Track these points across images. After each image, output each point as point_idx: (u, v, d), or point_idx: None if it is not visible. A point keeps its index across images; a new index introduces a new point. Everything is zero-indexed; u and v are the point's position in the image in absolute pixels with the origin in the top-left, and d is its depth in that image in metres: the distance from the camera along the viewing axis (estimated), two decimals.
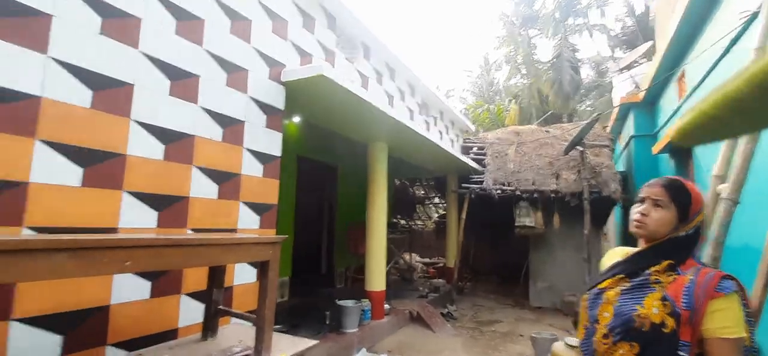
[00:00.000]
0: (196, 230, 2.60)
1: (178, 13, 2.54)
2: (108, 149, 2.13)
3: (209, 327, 2.26)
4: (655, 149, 5.54)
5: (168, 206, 2.43)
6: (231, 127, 2.89)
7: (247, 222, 3.01)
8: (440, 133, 7.48)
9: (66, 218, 1.94)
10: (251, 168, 3.06)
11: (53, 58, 1.92)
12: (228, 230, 2.84)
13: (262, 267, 2.01)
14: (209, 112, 2.72)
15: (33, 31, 1.85)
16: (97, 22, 2.10)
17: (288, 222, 5.94)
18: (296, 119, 5.48)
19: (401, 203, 11.22)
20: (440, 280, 7.89)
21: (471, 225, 8.02)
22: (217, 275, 2.28)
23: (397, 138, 5.14)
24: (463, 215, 7.51)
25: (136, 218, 2.26)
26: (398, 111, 5.28)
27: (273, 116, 3.29)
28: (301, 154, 6.27)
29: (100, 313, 2.09)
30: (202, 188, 2.65)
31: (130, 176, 2.23)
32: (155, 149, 2.37)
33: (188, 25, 2.60)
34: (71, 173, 1.97)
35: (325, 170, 7.27)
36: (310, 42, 3.86)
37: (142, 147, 2.30)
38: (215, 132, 2.77)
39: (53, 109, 1.91)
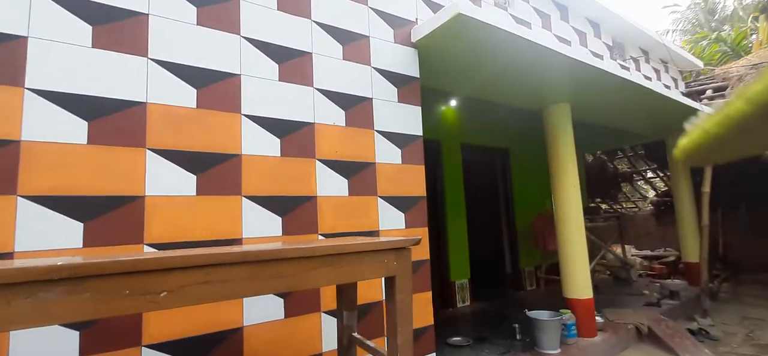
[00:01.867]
0: (328, 236, 2.17)
1: None
2: (220, 151, 1.89)
3: None
4: None
5: (293, 209, 2.07)
6: (355, 107, 2.39)
7: (390, 221, 2.42)
8: (648, 78, 5.37)
9: (184, 232, 1.75)
10: (387, 154, 2.48)
11: (153, 60, 1.78)
12: (367, 233, 2.32)
13: (387, 285, 1.33)
14: (326, 93, 2.28)
15: (131, 34, 1.75)
16: (192, 12, 1.91)
17: (459, 219, 5.23)
18: (452, 103, 4.76)
19: (599, 183, 8.91)
20: (676, 281, 5.59)
21: (716, 202, 5.44)
22: (344, 293, 1.74)
23: (583, 93, 3.72)
24: (706, 189, 5.11)
25: (259, 227, 1.96)
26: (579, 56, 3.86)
27: (406, 87, 2.65)
28: (465, 141, 5.49)
29: (233, 337, 1.83)
30: (329, 184, 2.21)
31: (247, 178, 1.95)
32: (271, 145, 2.05)
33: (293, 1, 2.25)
34: (185, 182, 1.78)
35: (494, 155, 6.24)
36: None
37: (257, 144, 2.00)
38: (337, 116, 2.30)
39: (160, 113, 1.76)
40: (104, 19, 1.69)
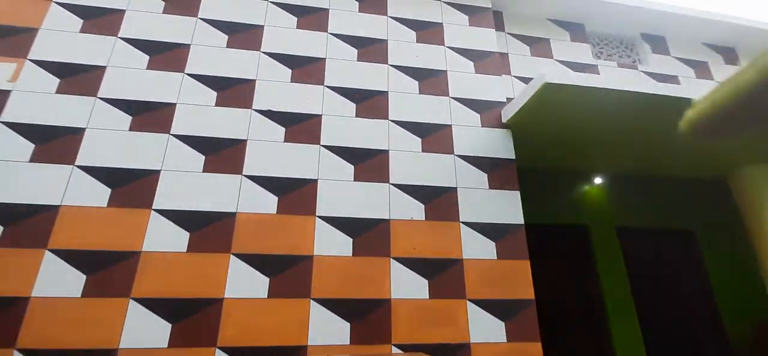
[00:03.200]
0: (403, 348, 1.88)
1: (353, 94, 2.37)
2: (293, 253, 1.96)
3: None
4: None
5: (363, 314, 1.91)
6: (436, 199, 2.20)
7: (485, 332, 1.97)
8: None
9: (252, 336, 1.78)
10: (477, 249, 2.13)
11: (246, 176, 2.06)
12: (454, 346, 1.92)
13: None
14: (403, 187, 2.19)
15: (233, 159, 2.09)
16: (281, 132, 2.20)
17: (629, 327, 4.00)
18: (598, 181, 4.03)
19: None
20: None
21: None
22: None
23: None
24: None
25: (326, 333, 1.85)
26: None
27: (499, 171, 2.34)
28: (623, 223, 4.43)
29: None
30: (405, 285, 1.99)
31: (317, 280, 1.93)
32: (343, 245, 2.02)
33: (369, 104, 2.37)
34: (259, 285, 1.87)
35: (671, 241, 4.77)
36: (544, 65, 2.79)
37: (329, 245, 2.00)
38: (415, 210, 2.15)
39: (245, 220, 1.97)
40: (214, 150, 2.10)
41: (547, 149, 2.67)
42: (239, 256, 1.90)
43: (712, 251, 4.58)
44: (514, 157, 2.39)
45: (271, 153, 2.14)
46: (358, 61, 2.49)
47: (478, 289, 2.05)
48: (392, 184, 2.19)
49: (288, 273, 1.91)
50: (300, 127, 2.24)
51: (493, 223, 2.21)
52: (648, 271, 4.57)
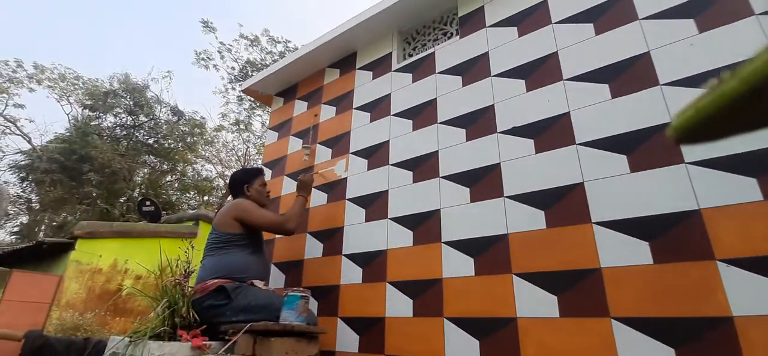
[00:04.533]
0: None
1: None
2: (583, 267, 1.81)
3: None
4: None
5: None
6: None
7: None
8: None
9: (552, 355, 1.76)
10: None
11: (508, 197, 2.14)
12: None
13: None
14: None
15: (492, 184, 2.23)
16: (531, 144, 2.14)
17: None
18: None
19: None
20: None
21: None
22: None
23: None
24: None
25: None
26: None
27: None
28: None
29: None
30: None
31: (615, 298, 1.69)
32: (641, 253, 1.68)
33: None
34: (548, 304, 1.85)
35: None
36: None
37: (617, 256, 1.73)
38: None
39: (517, 239, 2.03)
40: (476, 180, 2.32)
41: None
42: (521, 276, 1.98)
43: None
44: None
45: (526, 168, 2.14)
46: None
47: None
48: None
49: (580, 288, 1.80)
50: (550, 132, 2.12)
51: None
52: None
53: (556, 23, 2.36)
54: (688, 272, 1.56)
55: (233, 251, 2.52)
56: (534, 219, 2.02)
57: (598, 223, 1.83)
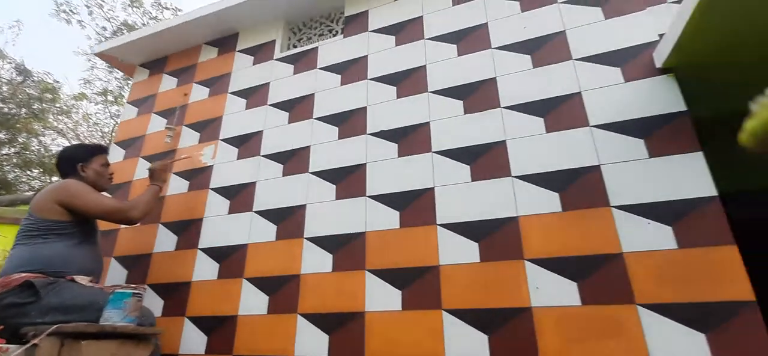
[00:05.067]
0: None
1: (459, 92, 2.22)
2: (425, 264, 1.96)
3: None
4: None
5: (499, 326, 1.74)
6: (572, 185, 1.83)
7: (671, 347, 1.50)
8: None
9: (392, 347, 1.87)
10: (642, 238, 1.66)
11: (369, 197, 2.22)
12: None
13: None
14: (525, 178, 1.92)
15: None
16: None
17: None
18: None
19: None
20: None
21: None
22: None
23: None
24: None
25: (463, 346, 1.77)
26: None
27: (663, 130, 1.77)
28: None
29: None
30: (547, 296, 1.72)
31: (446, 290, 1.87)
32: (469, 251, 1.90)
33: (477, 97, 2.19)
34: (393, 298, 1.96)
35: None
36: None
37: (453, 254, 1.93)
38: (547, 202, 1.85)
39: (373, 237, 2.11)
40: (341, 178, 2.35)
41: (737, 85, 1.86)
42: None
43: None
44: (684, 107, 1.78)
45: (388, 170, 2.24)
46: (458, 56, 2.37)
47: (652, 290, 1.59)
48: (514, 175, 1.96)
49: (417, 283, 1.94)
50: (411, 138, 2.27)
51: (663, 201, 1.68)
52: None
53: (428, 39, 2.54)
54: (505, 269, 1.81)
55: (52, 241, 2.09)
56: (390, 219, 2.13)
57: (441, 225, 2.01)
